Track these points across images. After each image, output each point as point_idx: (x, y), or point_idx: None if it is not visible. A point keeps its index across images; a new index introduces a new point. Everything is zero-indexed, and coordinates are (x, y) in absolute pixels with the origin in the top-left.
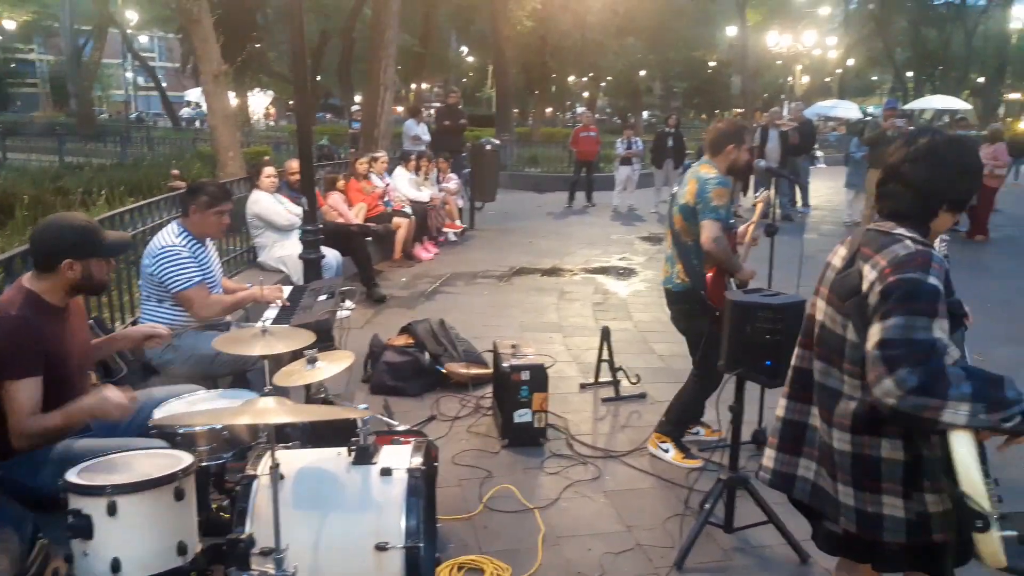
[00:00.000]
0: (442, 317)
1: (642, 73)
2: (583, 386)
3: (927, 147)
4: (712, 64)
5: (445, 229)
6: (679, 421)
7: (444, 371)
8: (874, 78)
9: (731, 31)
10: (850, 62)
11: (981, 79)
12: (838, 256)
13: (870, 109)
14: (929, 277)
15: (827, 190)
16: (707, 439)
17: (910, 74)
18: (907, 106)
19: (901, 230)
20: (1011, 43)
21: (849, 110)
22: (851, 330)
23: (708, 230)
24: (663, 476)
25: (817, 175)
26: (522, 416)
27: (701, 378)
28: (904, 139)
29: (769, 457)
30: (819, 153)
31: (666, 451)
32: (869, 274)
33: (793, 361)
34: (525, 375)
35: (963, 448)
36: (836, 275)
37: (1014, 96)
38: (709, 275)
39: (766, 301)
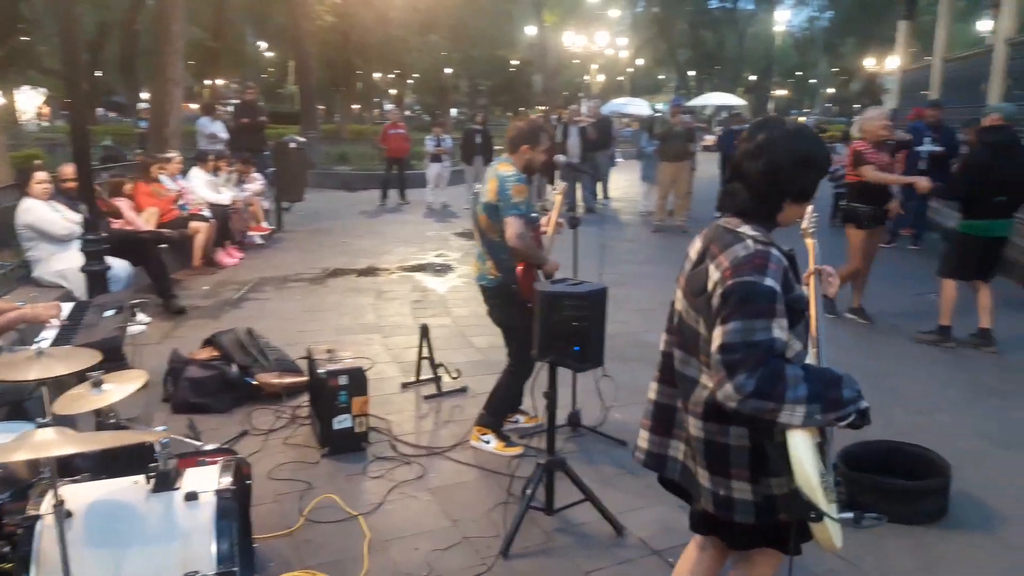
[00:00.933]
0: (250, 326)
1: (448, 71)
2: (405, 385)
3: (764, 142)
4: (515, 63)
5: (250, 232)
6: (497, 412)
7: (255, 383)
8: (661, 76)
9: (530, 31)
10: (639, 62)
11: (753, 77)
12: (694, 248)
13: (659, 106)
14: (765, 279)
15: (625, 183)
16: (526, 426)
17: (692, 73)
18: (690, 103)
19: (745, 228)
20: (776, 45)
21: (640, 107)
22: (703, 325)
23: (512, 227)
24: (486, 467)
25: (615, 169)
26: (342, 422)
27: (515, 368)
28: (746, 134)
29: (643, 438)
30: (616, 148)
31: (487, 442)
32: (713, 274)
33: (661, 347)
34: (343, 380)
35: (799, 447)
36: (691, 268)
37: (781, 92)
38: (519, 269)
39: (571, 290)
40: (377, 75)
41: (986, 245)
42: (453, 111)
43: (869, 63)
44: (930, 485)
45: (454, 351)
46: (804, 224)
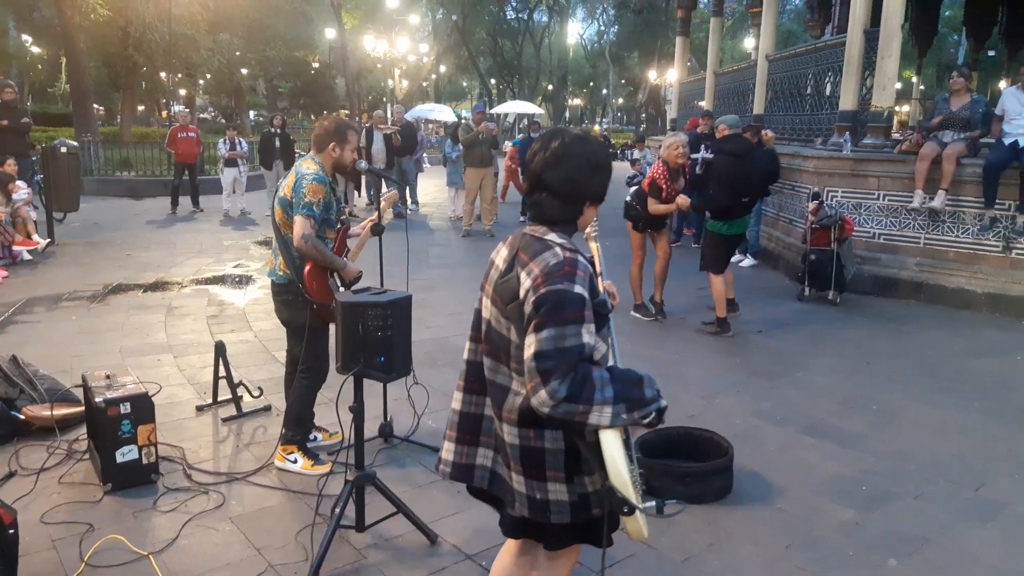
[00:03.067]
0: (15, 353)
1: (244, 71)
2: (200, 408)
3: (560, 150)
4: (316, 65)
5: (16, 247)
6: (298, 424)
7: (22, 417)
8: (464, 84)
9: (330, 33)
10: (442, 68)
11: (550, 86)
12: (501, 257)
13: (463, 112)
14: (575, 286)
15: (433, 188)
16: (326, 443)
17: (494, 81)
18: (493, 110)
19: (552, 235)
20: (570, 56)
21: (445, 113)
22: (514, 332)
23: (298, 226)
24: (292, 488)
25: (421, 174)
26: (126, 454)
27: (307, 374)
28: (538, 145)
29: (448, 450)
30: (424, 154)
31: (294, 462)
32: (525, 281)
33: (465, 355)
34: (125, 408)
35: (610, 445)
36: (499, 277)
37: (576, 102)
38: (306, 269)
39: (374, 299)
40: (164, 75)
41: (734, 240)
42: (251, 114)
43: (652, 75)
44: (716, 465)
45: (256, 367)
46: (588, 229)
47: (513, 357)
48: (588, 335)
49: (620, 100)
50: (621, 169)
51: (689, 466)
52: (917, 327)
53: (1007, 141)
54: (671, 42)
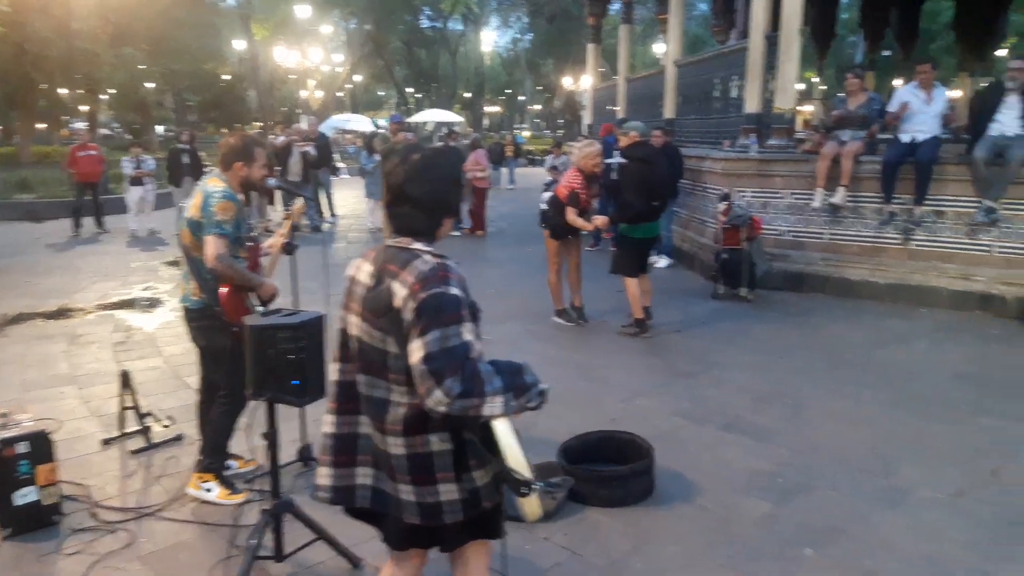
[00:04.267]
0: None
1: (150, 86)
2: (106, 442)
3: (424, 164)
4: (226, 77)
5: None
6: (216, 451)
7: None
8: (381, 93)
9: (239, 45)
10: (358, 78)
11: (468, 94)
12: (363, 272)
13: (381, 122)
14: (451, 288)
15: (352, 200)
16: (241, 471)
17: (411, 90)
18: (411, 119)
19: (418, 245)
20: (486, 64)
21: (362, 123)
22: (391, 343)
23: (211, 246)
24: (207, 520)
25: (341, 185)
26: (25, 496)
27: (227, 399)
28: (398, 159)
29: (324, 475)
30: (341, 164)
31: (209, 491)
32: (400, 291)
33: (334, 376)
34: (22, 447)
35: (504, 432)
36: (367, 291)
37: (494, 109)
38: (223, 291)
39: (284, 321)
40: (64, 91)
41: (647, 244)
42: (159, 128)
43: (567, 82)
44: (637, 468)
45: (167, 395)
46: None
47: (392, 368)
48: (469, 334)
49: (538, 107)
50: (539, 176)
51: (611, 470)
52: (825, 320)
53: (904, 138)
54: (584, 49)
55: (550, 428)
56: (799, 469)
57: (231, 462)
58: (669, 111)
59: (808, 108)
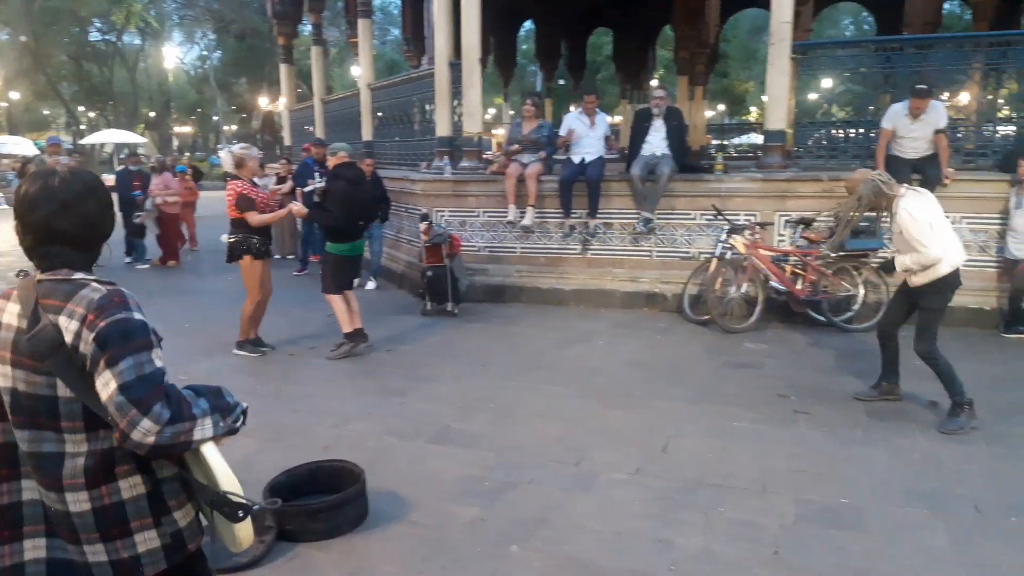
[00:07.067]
0: None
1: None
2: None
3: (70, 198)
4: None
5: None
6: None
7: None
8: (46, 112)
9: None
10: (15, 95)
11: (152, 113)
12: (8, 313)
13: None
14: (134, 313)
15: (10, 232)
16: None
17: (83, 108)
18: (85, 140)
19: (80, 275)
20: (170, 81)
21: (23, 146)
22: (61, 387)
23: None
24: None
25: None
26: None
27: None
28: (37, 193)
29: None
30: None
31: None
32: (70, 325)
33: None
34: None
35: (214, 455)
36: (18, 335)
37: (184, 129)
38: None
39: None
40: None
41: (352, 261)
42: None
43: (264, 102)
44: (348, 495)
45: None
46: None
47: (64, 415)
48: (159, 360)
49: (234, 127)
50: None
51: (321, 501)
52: (522, 326)
53: (575, 159)
54: (278, 68)
55: (259, 466)
56: (503, 469)
57: None
58: (367, 133)
59: (500, 131)
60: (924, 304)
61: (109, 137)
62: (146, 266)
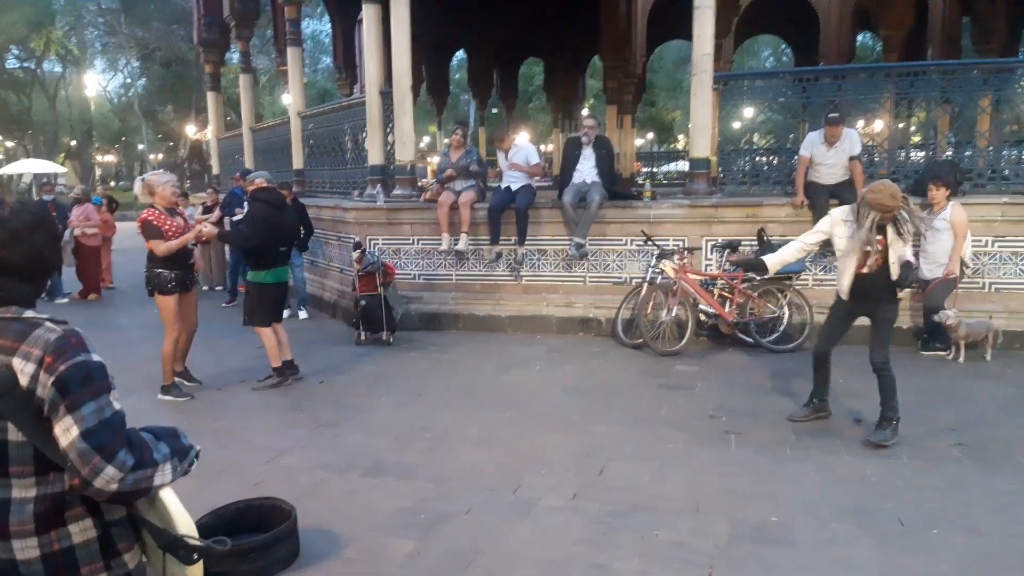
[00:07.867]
0: None
1: None
2: None
3: (17, 226)
4: None
5: None
6: None
7: None
8: None
9: None
10: None
11: (73, 142)
12: None
13: None
14: (92, 355)
15: None
16: None
17: (0, 138)
18: (1, 171)
19: (30, 313)
20: (92, 109)
21: None
22: (12, 430)
23: None
24: None
25: None
26: None
27: None
28: None
29: None
30: None
31: None
32: (25, 367)
33: None
34: None
35: (172, 499)
36: None
37: (108, 158)
38: None
39: None
40: None
41: (276, 289)
42: None
43: (191, 130)
44: (278, 533)
45: None
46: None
47: (14, 459)
48: (117, 402)
49: (160, 155)
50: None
51: (248, 541)
52: (459, 354)
53: (503, 186)
54: (206, 96)
55: (188, 506)
56: (440, 499)
57: None
58: (298, 162)
59: (435, 159)
60: (883, 316)
61: (27, 167)
62: (65, 300)
